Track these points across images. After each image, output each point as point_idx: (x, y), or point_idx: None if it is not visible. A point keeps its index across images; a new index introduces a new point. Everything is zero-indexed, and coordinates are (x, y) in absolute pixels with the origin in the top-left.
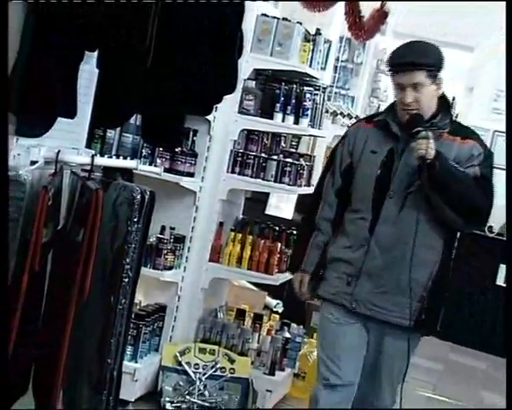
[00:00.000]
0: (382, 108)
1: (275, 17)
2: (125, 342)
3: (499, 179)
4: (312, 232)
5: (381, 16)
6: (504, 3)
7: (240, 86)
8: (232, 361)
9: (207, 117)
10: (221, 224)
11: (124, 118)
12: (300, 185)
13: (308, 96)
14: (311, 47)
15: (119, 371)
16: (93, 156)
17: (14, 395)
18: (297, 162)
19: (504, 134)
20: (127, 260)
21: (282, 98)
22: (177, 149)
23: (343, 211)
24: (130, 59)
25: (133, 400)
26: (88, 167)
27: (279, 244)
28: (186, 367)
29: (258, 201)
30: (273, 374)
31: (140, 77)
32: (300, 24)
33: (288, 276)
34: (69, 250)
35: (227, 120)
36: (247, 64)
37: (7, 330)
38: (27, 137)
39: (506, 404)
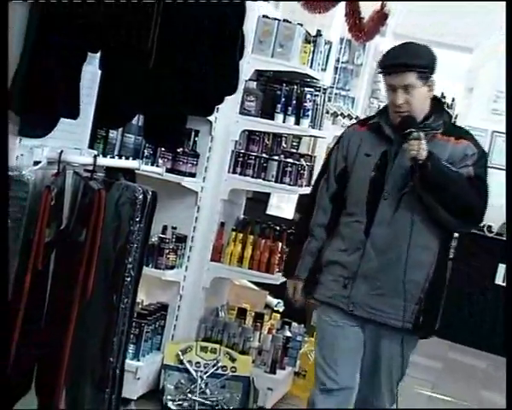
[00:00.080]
0: None
1: (276, 19)
2: (127, 340)
3: (499, 179)
4: (306, 238)
5: (380, 18)
6: (504, 3)
7: (241, 87)
8: (233, 360)
9: (209, 118)
10: (222, 224)
11: (126, 118)
12: (301, 185)
13: (309, 97)
14: (312, 48)
15: (122, 369)
16: (95, 157)
17: (16, 394)
18: (298, 163)
19: (503, 135)
20: (129, 260)
21: (283, 99)
22: (178, 150)
23: (338, 215)
24: (133, 60)
25: (135, 398)
26: (90, 168)
27: (280, 244)
28: (188, 366)
29: (259, 201)
30: (274, 373)
31: (141, 77)
32: (301, 25)
33: None
34: (72, 250)
35: (228, 121)
36: (248, 65)
37: (9, 329)
38: (30, 137)
39: (506, 403)
